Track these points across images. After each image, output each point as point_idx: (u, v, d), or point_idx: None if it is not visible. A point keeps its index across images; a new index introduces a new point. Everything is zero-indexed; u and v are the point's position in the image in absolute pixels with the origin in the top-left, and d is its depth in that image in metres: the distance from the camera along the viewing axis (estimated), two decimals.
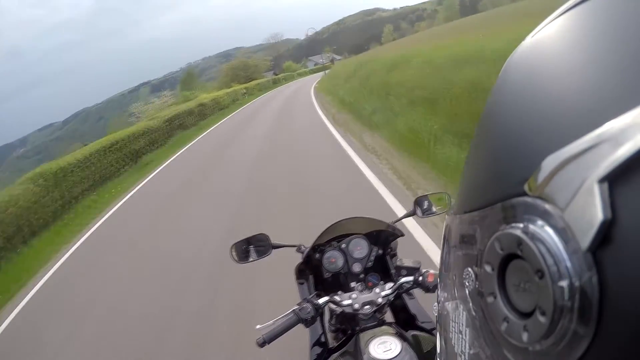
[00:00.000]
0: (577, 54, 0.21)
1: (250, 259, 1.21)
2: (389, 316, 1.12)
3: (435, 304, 0.34)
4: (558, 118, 0.20)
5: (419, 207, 1.23)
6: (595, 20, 0.21)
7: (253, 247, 1.22)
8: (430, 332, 1.02)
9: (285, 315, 0.94)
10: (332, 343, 1.11)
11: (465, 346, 0.26)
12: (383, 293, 0.99)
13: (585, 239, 0.16)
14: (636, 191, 0.14)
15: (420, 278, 0.98)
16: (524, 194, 0.20)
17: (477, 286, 0.24)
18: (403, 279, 1.00)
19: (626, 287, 0.15)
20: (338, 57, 72.04)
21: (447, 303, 0.30)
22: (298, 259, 1.18)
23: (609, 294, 0.15)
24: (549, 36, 0.24)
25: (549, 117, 0.20)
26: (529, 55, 0.26)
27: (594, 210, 0.15)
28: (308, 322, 0.94)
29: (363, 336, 0.90)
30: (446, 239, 0.32)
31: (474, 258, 0.25)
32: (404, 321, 1.09)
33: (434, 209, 1.23)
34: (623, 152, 0.15)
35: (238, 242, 1.21)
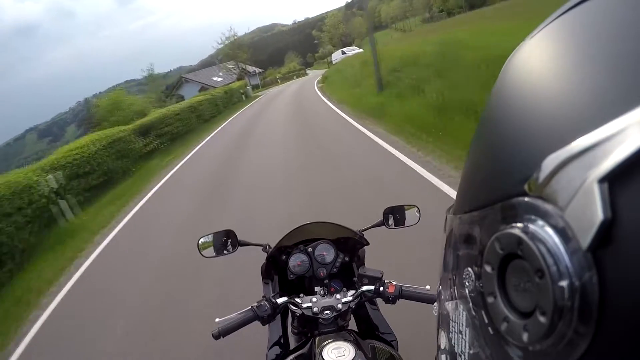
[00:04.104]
0: (577, 55, 0.21)
1: (224, 253, 1.22)
2: (353, 325, 1.13)
3: (436, 304, 0.34)
4: (558, 118, 0.19)
5: (388, 218, 1.23)
6: (594, 21, 0.21)
7: (220, 242, 1.23)
8: (390, 343, 1.05)
9: (243, 311, 0.96)
10: (293, 346, 1.12)
11: (465, 346, 0.26)
12: (343, 300, 1.00)
13: (586, 239, 0.16)
14: (636, 191, 0.14)
15: (381, 288, 0.99)
16: (524, 193, 0.20)
17: (477, 286, 0.24)
18: (364, 287, 1.02)
19: (626, 287, 0.15)
20: (256, 70, 40.86)
21: (447, 303, 0.30)
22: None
23: (609, 294, 0.15)
24: (549, 37, 0.24)
25: (549, 117, 0.20)
26: (528, 55, 0.25)
27: (594, 210, 0.15)
28: (264, 320, 0.96)
29: (319, 340, 0.91)
30: (446, 239, 0.32)
31: (474, 258, 0.25)
32: (365, 331, 1.11)
33: (403, 220, 1.23)
34: (623, 152, 0.15)
35: (205, 236, 1.22)
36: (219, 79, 36.21)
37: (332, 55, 37.01)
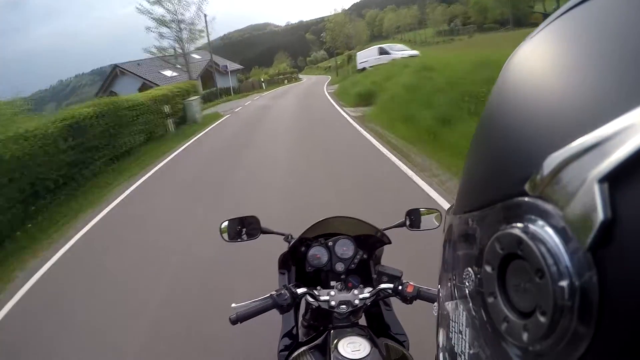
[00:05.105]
0: (577, 55, 0.21)
1: (238, 240, 1.24)
2: (363, 322, 1.12)
3: (435, 304, 0.34)
4: (559, 118, 0.19)
5: (410, 219, 1.24)
6: (595, 21, 0.21)
7: (243, 228, 1.24)
8: (402, 343, 1.04)
9: (262, 298, 0.95)
10: (302, 338, 1.12)
11: (465, 346, 0.26)
12: (361, 296, 1.00)
13: (586, 239, 0.16)
14: (636, 191, 0.14)
15: (400, 287, 0.98)
16: (525, 193, 0.20)
17: (477, 286, 0.24)
18: (383, 285, 1.01)
19: (626, 287, 0.15)
20: (228, 67, 28.38)
21: (447, 303, 0.30)
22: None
23: (609, 294, 0.15)
24: (549, 37, 0.24)
25: (550, 117, 0.20)
26: (529, 55, 0.25)
27: (594, 210, 0.15)
28: (283, 309, 0.96)
29: (334, 334, 0.91)
30: (446, 239, 0.31)
31: (474, 258, 0.25)
32: (377, 329, 1.09)
33: (424, 224, 1.24)
34: (623, 152, 0.15)
35: (229, 220, 1.24)
36: (172, 74, 24.18)
37: (359, 55, 23.42)
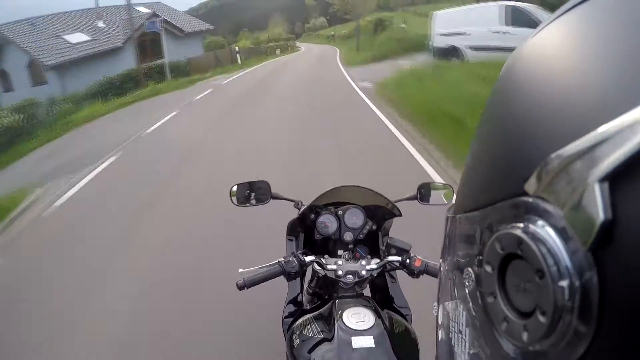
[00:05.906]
0: (578, 54, 0.21)
1: (247, 204, 1.24)
2: (367, 293, 1.13)
3: (435, 303, 0.34)
4: (559, 117, 0.19)
5: (421, 193, 1.24)
6: (596, 21, 0.21)
7: (252, 192, 1.24)
8: (405, 316, 1.05)
9: (269, 265, 0.96)
10: (306, 306, 1.12)
11: (465, 346, 0.26)
12: (368, 267, 1.00)
13: (586, 239, 0.16)
14: (637, 191, 0.14)
15: (408, 260, 0.99)
16: (525, 193, 0.20)
17: (477, 286, 0.24)
18: (391, 257, 1.01)
19: (626, 287, 0.15)
20: (192, 26, 18.74)
21: (447, 303, 0.30)
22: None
23: (609, 294, 0.15)
24: (550, 36, 0.24)
25: (550, 117, 0.20)
26: (530, 54, 0.25)
27: (594, 210, 0.15)
28: (290, 276, 0.96)
29: (339, 304, 0.92)
30: (446, 238, 0.32)
31: (474, 258, 0.25)
32: (380, 301, 1.10)
33: (433, 199, 1.24)
34: (624, 151, 0.15)
35: (240, 184, 1.23)
36: (82, 39, 14.47)
37: (442, 17, 10.27)
